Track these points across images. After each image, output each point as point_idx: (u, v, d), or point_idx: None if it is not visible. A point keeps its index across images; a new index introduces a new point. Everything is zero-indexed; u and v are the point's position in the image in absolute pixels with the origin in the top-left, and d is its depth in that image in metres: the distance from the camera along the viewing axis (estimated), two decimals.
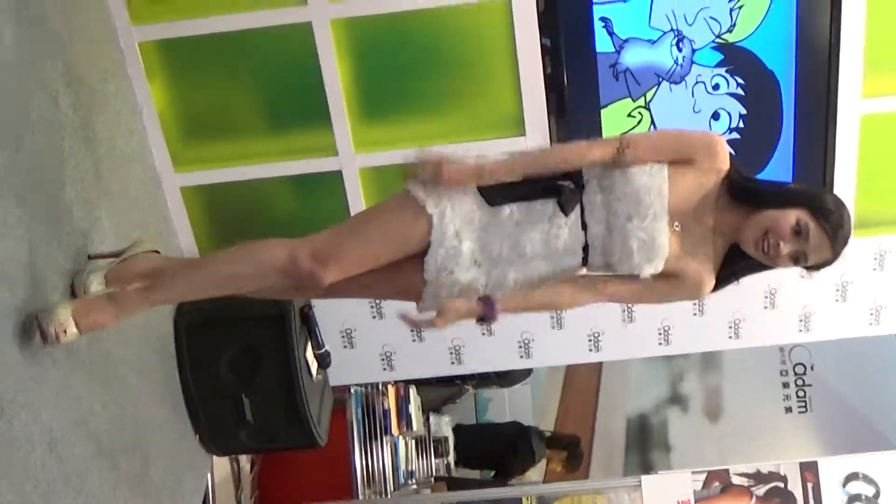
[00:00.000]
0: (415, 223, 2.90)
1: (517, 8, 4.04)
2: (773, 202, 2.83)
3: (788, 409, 7.85)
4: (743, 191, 2.88)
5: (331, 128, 4.25)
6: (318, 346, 4.44)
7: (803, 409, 7.82)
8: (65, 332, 2.84)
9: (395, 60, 4.22)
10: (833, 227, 2.78)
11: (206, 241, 4.46)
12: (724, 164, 2.88)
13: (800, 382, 7.80)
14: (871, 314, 4.72)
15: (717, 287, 3.01)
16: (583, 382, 8.03)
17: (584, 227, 2.91)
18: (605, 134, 4.26)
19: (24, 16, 3.09)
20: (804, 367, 7.77)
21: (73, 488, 2.98)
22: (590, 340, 4.75)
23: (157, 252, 3.41)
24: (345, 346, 4.75)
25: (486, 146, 4.22)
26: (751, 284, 4.47)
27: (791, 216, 2.77)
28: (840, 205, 2.85)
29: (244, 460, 5.67)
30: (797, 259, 2.81)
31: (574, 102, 4.22)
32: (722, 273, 2.99)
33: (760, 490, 4.98)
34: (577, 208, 2.90)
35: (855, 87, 4.19)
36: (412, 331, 4.62)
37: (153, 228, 4.11)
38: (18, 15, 3.04)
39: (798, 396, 7.81)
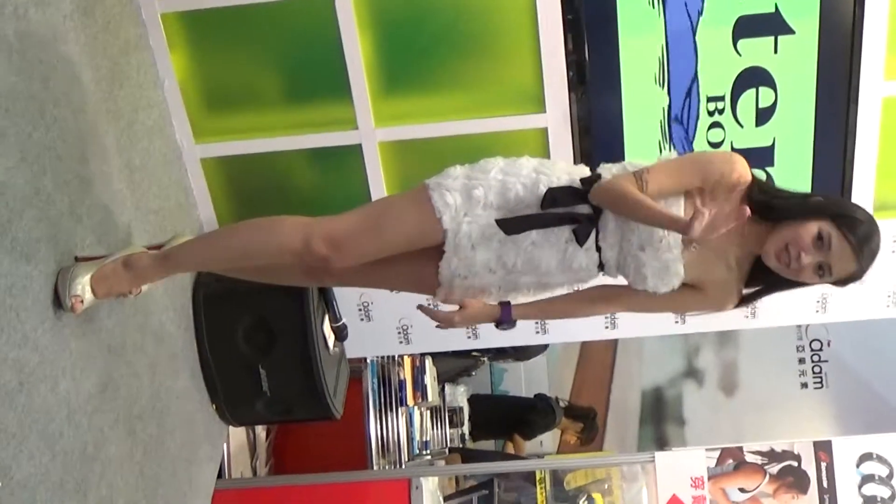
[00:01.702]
0: (431, 228, 2.92)
1: None
2: (795, 215, 2.76)
3: (804, 385, 7.84)
4: (765, 206, 2.79)
5: (351, 101, 4.24)
6: (335, 318, 4.47)
7: (819, 385, 7.81)
8: (81, 301, 2.90)
9: (417, 34, 4.21)
10: (858, 238, 2.70)
11: (226, 213, 4.47)
12: (744, 180, 2.81)
13: (816, 358, 7.79)
14: (889, 297, 4.69)
15: (743, 303, 3.00)
16: (598, 355, 8.04)
17: (599, 249, 2.91)
18: (624, 112, 4.25)
19: None
20: (821, 343, 7.75)
21: (89, 457, 3.01)
22: (606, 318, 4.74)
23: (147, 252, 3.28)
24: (362, 319, 4.75)
25: (505, 122, 4.27)
26: None
27: (813, 227, 2.70)
28: (869, 219, 2.78)
29: (260, 429, 5.72)
30: (821, 271, 2.73)
31: (595, 81, 4.20)
32: (749, 285, 2.97)
33: (774, 468, 4.99)
34: (593, 234, 2.89)
35: (877, 69, 4.16)
36: (430, 304, 4.56)
37: (174, 200, 4.13)
38: None
39: (814, 372, 7.80)
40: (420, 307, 3.07)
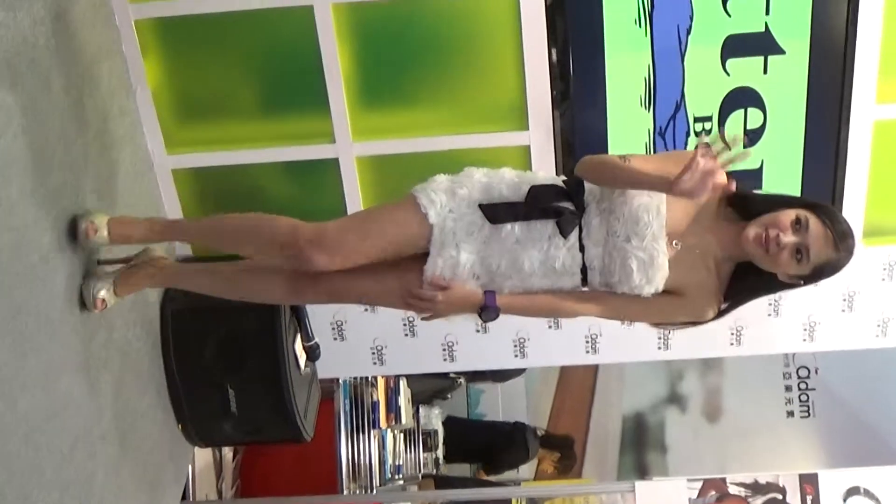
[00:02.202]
0: (416, 228, 2.97)
1: None
2: (774, 207, 2.82)
3: (790, 414, 7.77)
4: (743, 200, 2.89)
5: (329, 114, 4.15)
6: (307, 337, 4.37)
7: (805, 414, 7.74)
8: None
9: (397, 48, 4.12)
10: (835, 225, 2.75)
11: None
12: (722, 181, 2.74)
13: (803, 386, 7.72)
14: (879, 326, 4.62)
15: (724, 311, 3.01)
16: (579, 378, 7.96)
17: (582, 248, 2.92)
18: (609, 131, 4.17)
19: None
20: (808, 370, 7.69)
21: (47, 480, 2.93)
22: (587, 342, 4.66)
23: (165, 258, 3.57)
24: (335, 339, 4.66)
25: (486, 138, 4.19)
26: None
27: (791, 212, 2.76)
28: (844, 219, 2.82)
29: (227, 449, 5.63)
30: (799, 255, 2.74)
31: (579, 98, 4.12)
32: (729, 293, 2.97)
33: (758, 501, 4.90)
34: (576, 231, 2.92)
35: (869, 92, 4.09)
36: (405, 324, 4.61)
37: (144, 212, 4.01)
38: None
39: (801, 401, 7.73)
40: (408, 292, 3.04)
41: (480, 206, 2.94)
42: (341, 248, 3.01)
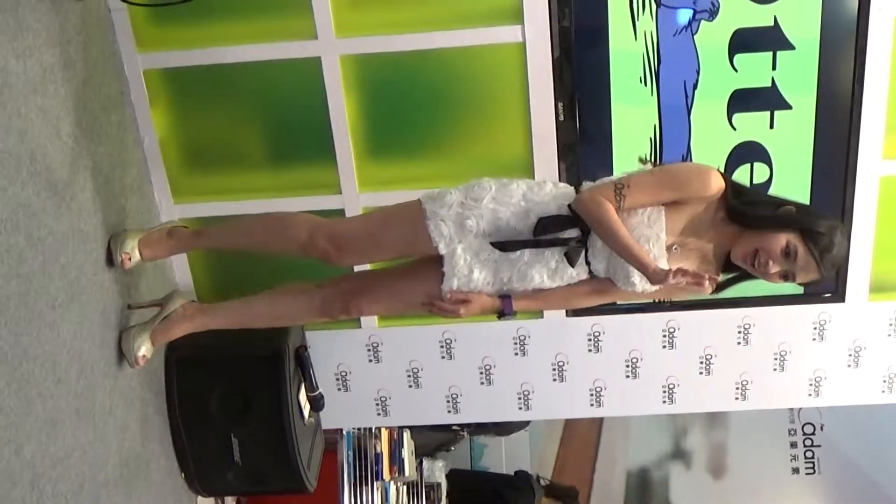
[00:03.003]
0: (425, 245, 3.24)
1: (531, 52, 3.97)
2: (767, 225, 3.06)
3: (796, 470, 7.69)
4: (738, 214, 3.10)
5: (335, 165, 4.18)
6: (311, 388, 4.34)
7: (811, 471, 7.66)
8: (129, 258, 3.53)
9: (404, 100, 4.14)
10: (821, 250, 2.99)
11: (203, 276, 4.42)
12: (719, 192, 3.10)
13: (808, 443, 7.65)
14: (885, 381, 4.59)
15: (719, 289, 3.25)
16: (583, 432, 7.89)
17: (588, 262, 3.20)
18: None
19: (24, 44, 3.01)
20: (814, 426, 7.62)
21: None
22: (591, 395, 4.63)
23: (192, 303, 3.80)
24: (339, 389, 4.64)
25: None
26: (760, 345, 4.40)
27: (782, 239, 3.00)
28: (833, 229, 3.04)
29: (230, 499, 5.56)
30: (786, 277, 3.05)
31: (585, 152, 4.13)
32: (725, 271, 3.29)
33: None
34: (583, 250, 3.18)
35: (876, 148, 4.10)
36: (409, 375, 4.61)
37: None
38: (18, 42, 2.97)
39: (806, 457, 7.66)
40: (429, 302, 3.33)
41: (492, 243, 3.18)
42: (354, 250, 3.41)
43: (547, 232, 3.14)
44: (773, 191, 4.15)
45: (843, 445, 7.58)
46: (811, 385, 4.61)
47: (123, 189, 3.82)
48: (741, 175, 4.13)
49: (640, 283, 3.12)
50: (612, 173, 4.08)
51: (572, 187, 3.28)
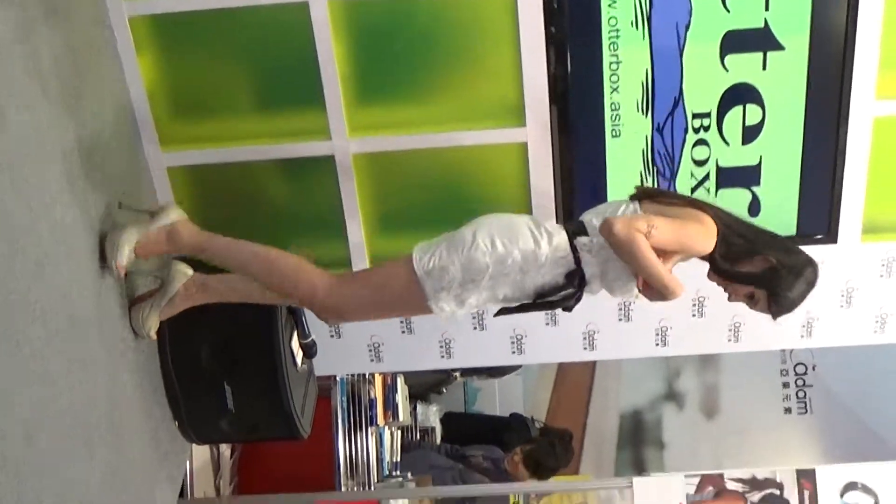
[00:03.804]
0: (424, 311, 3.49)
1: None
2: (742, 281, 3.39)
3: (788, 410, 7.75)
4: (720, 272, 3.44)
5: (324, 110, 4.11)
6: (304, 335, 4.32)
7: (803, 411, 7.72)
8: (124, 267, 3.48)
9: (394, 43, 4.08)
10: (780, 308, 3.40)
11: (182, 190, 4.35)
12: (710, 250, 3.41)
13: (800, 383, 7.70)
14: (877, 322, 4.61)
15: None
16: (576, 375, 7.93)
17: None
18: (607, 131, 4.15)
19: None
20: (805, 367, 7.67)
21: (48, 476, 2.91)
22: (584, 339, 4.64)
23: (191, 279, 3.76)
24: (332, 336, 4.64)
25: (483, 135, 4.15)
26: None
27: (749, 288, 3.39)
28: (802, 292, 3.41)
29: (224, 447, 5.59)
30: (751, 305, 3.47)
31: (577, 94, 4.09)
32: None
33: (755, 496, 4.87)
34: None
35: (869, 88, 4.07)
36: (402, 321, 4.62)
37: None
38: None
39: (798, 397, 7.71)
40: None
41: (495, 315, 3.62)
42: (354, 317, 3.70)
43: (545, 296, 3.44)
44: (765, 133, 4.15)
45: (835, 385, 7.63)
46: (803, 326, 4.63)
47: (111, 137, 3.77)
48: (734, 117, 4.12)
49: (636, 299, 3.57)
50: (602, 118, 4.11)
51: (564, 232, 3.44)
